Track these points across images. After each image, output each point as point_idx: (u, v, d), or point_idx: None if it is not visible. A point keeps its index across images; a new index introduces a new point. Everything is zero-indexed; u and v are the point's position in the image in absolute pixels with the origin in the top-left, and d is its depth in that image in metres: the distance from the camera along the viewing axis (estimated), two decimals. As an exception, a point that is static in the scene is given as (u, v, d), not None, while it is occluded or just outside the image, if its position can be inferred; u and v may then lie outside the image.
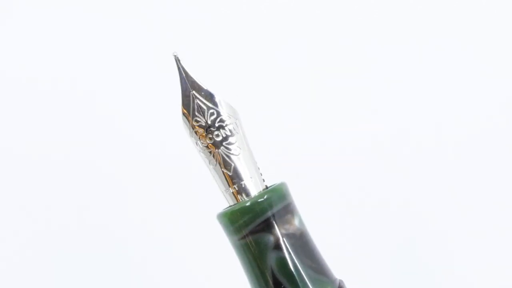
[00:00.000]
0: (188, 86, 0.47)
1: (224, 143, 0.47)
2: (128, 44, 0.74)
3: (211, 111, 0.47)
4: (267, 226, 0.46)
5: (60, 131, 0.73)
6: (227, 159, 0.47)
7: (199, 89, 0.47)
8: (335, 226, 0.73)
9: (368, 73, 0.73)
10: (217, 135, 0.47)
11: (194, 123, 0.47)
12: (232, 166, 0.47)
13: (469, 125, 0.72)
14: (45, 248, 0.73)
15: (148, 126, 0.74)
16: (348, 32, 0.74)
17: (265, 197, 0.47)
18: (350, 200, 0.73)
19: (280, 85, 0.74)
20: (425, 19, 0.73)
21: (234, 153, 0.47)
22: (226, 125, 0.47)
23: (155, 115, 0.73)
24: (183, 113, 0.48)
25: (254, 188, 0.47)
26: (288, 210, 0.47)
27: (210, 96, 0.47)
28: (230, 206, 0.48)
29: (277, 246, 0.46)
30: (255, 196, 0.47)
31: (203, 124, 0.47)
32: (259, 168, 0.48)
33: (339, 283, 0.48)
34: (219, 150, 0.47)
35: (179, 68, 0.47)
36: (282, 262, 0.46)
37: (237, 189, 0.47)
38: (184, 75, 0.47)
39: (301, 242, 0.47)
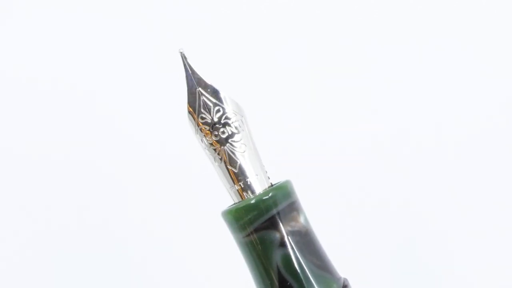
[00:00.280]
0: (194, 83, 0.47)
1: (229, 140, 0.47)
2: (129, 43, 0.74)
3: (217, 108, 0.47)
4: (272, 224, 0.46)
5: (60, 131, 0.73)
6: (232, 156, 0.47)
7: (205, 86, 0.47)
8: (335, 226, 0.73)
9: (368, 73, 0.73)
10: (223, 132, 0.47)
11: (200, 120, 0.47)
12: (238, 164, 0.47)
13: (469, 125, 0.73)
14: (45, 248, 0.72)
15: (148, 126, 0.74)
16: (349, 32, 0.74)
17: (270, 194, 0.46)
18: (350, 200, 0.73)
19: (280, 85, 0.74)
20: (425, 19, 0.74)
21: (240, 150, 0.47)
22: (232, 122, 0.47)
23: (155, 115, 0.73)
24: (189, 111, 0.47)
25: (259, 185, 0.47)
26: (293, 207, 0.47)
27: (216, 93, 0.47)
28: (235, 204, 0.48)
29: (283, 244, 0.46)
30: (260, 194, 0.47)
31: (209, 121, 0.47)
32: (264, 166, 0.48)
33: (344, 281, 0.48)
34: (225, 147, 0.47)
35: (185, 65, 0.47)
36: (288, 260, 0.46)
37: (242, 186, 0.47)
38: (190, 72, 0.47)
39: (307, 240, 0.47)
